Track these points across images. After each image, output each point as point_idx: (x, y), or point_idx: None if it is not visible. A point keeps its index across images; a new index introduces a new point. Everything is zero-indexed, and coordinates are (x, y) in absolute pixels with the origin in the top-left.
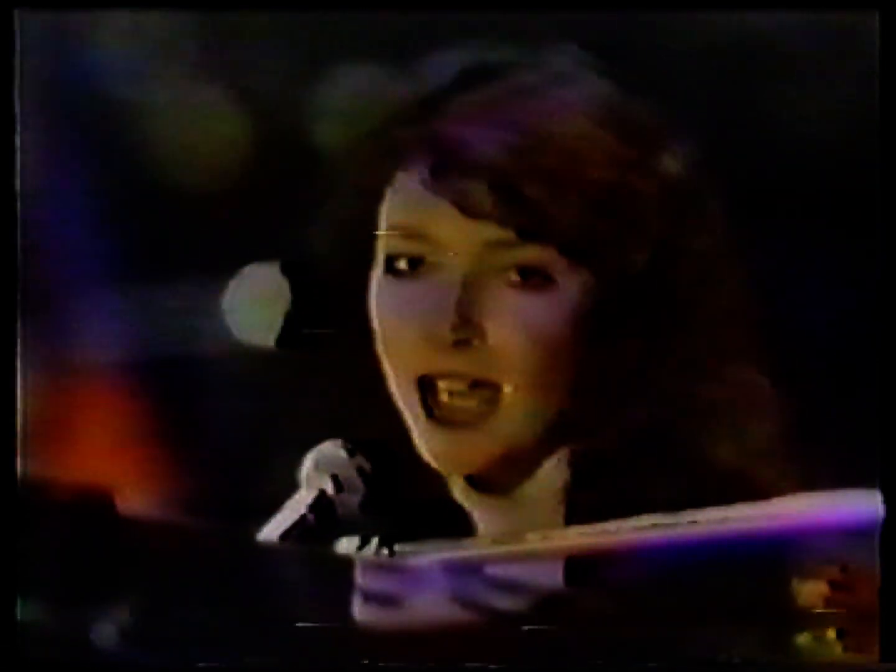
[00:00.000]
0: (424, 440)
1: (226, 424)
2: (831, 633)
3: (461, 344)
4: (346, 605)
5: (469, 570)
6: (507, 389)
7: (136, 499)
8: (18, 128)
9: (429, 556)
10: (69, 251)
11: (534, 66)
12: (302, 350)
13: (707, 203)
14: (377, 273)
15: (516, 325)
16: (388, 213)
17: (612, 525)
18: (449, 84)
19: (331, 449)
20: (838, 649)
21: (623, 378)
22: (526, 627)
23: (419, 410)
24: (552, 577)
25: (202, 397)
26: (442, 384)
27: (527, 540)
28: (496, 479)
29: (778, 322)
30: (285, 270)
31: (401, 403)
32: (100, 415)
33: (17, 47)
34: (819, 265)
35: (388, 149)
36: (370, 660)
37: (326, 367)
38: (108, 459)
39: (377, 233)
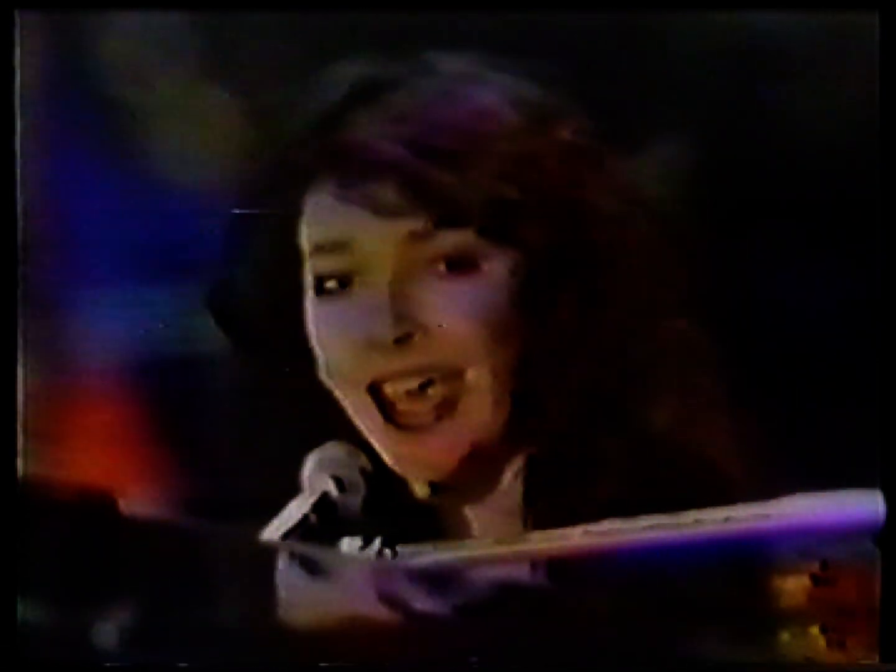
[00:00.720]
0: (388, 449)
1: (227, 425)
2: (814, 630)
3: (402, 341)
4: (346, 605)
5: (461, 570)
6: (469, 375)
7: (136, 499)
8: (18, 128)
9: (429, 556)
10: (70, 251)
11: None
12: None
13: (605, 163)
14: (309, 298)
15: (454, 312)
16: (310, 234)
17: (612, 525)
18: (342, 99)
19: (333, 450)
20: (821, 644)
21: (562, 345)
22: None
23: (378, 417)
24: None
25: (203, 397)
26: (392, 388)
27: (528, 540)
28: (461, 484)
29: (778, 322)
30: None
31: (358, 420)
32: (100, 415)
33: (17, 47)
34: (819, 265)
35: (291, 173)
36: (371, 660)
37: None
38: (108, 459)
39: (304, 254)
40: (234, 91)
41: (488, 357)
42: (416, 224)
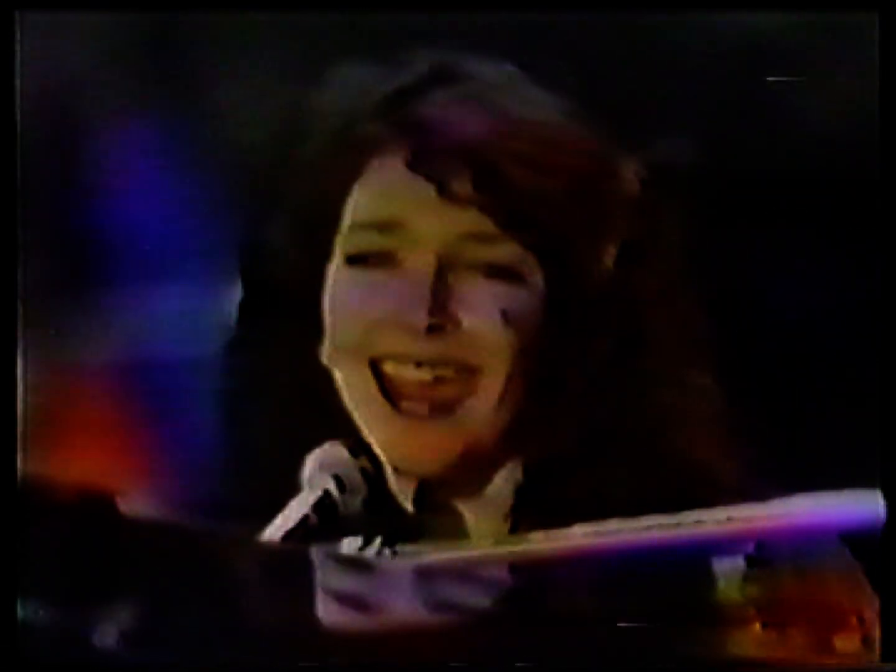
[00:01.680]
0: (380, 432)
1: (227, 425)
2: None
3: (435, 329)
4: (347, 605)
5: (463, 571)
6: (481, 376)
7: (136, 499)
8: (18, 128)
9: (429, 556)
10: (70, 251)
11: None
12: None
13: (665, 214)
14: (337, 265)
15: (489, 314)
16: (358, 208)
17: (612, 525)
18: (421, 78)
19: (333, 449)
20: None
21: (586, 377)
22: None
23: (379, 398)
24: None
25: (203, 397)
26: (406, 371)
27: (528, 540)
28: (449, 487)
29: (778, 322)
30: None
31: (351, 397)
32: (100, 415)
33: (17, 47)
34: (818, 265)
35: (358, 141)
36: (370, 660)
37: (327, 367)
38: (108, 459)
39: (343, 226)
40: (236, 91)
41: (505, 366)
42: (478, 222)
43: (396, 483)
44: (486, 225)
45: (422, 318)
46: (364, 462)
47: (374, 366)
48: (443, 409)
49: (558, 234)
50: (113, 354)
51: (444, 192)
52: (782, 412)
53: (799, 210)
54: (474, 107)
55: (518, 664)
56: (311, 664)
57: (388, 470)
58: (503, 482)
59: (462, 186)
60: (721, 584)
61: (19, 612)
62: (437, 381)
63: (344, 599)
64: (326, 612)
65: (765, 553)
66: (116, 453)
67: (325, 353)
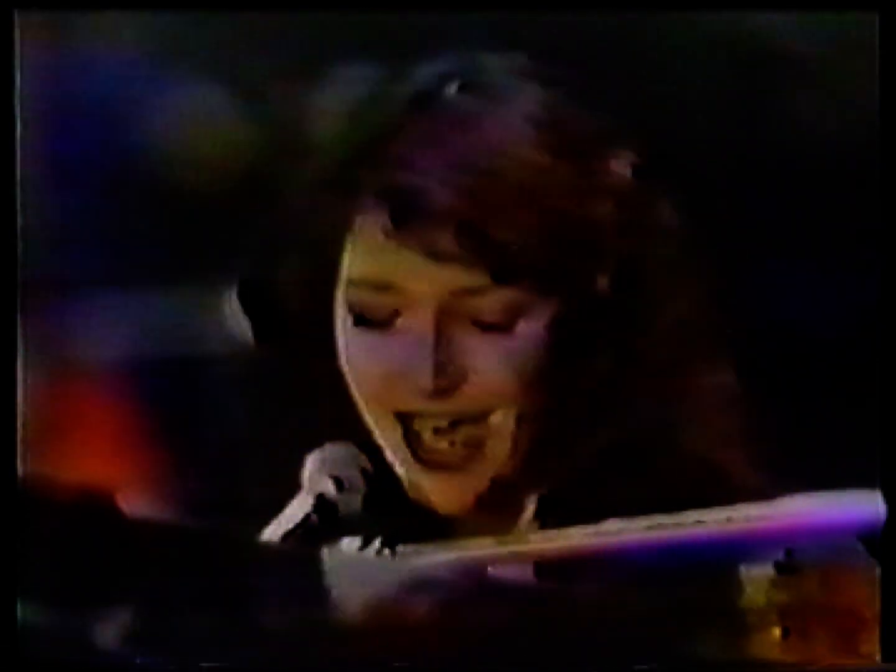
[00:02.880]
0: (412, 484)
1: (227, 425)
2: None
3: (441, 392)
4: (346, 606)
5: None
6: (495, 417)
7: (137, 499)
8: (18, 128)
9: (429, 556)
10: (69, 251)
11: (475, 77)
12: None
13: (660, 210)
14: (344, 323)
15: (493, 363)
16: (352, 265)
17: (612, 525)
18: (399, 112)
19: (333, 450)
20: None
21: (596, 394)
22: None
23: (404, 450)
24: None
25: (203, 398)
26: (423, 423)
27: (528, 540)
28: (479, 520)
29: (777, 322)
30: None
31: (381, 440)
32: (100, 415)
33: (17, 47)
34: (818, 265)
35: (343, 193)
36: (370, 660)
37: (327, 367)
38: (108, 460)
39: (342, 271)
40: (235, 91)
41: (516, 403)
42: (469, 276)
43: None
44: (476, 278)
45: (427, 382)
46: (364, 462)
47: (400, 415)
48: (464, 456)
49: (550, 274)
50: (113, 355)
51: (428, 254)
52: (782, 412)
53: (797, 210)
54: (453, 147)
55: (522, 664)
56: (311, 664)
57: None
58: (530, 515)
59: (446, 245)
60: (747, 588)
61: (19, 612)
62: (454, 425)
63: (344, 599)
64: (327, 612)
65: (779, 556)
66: (116, 453)
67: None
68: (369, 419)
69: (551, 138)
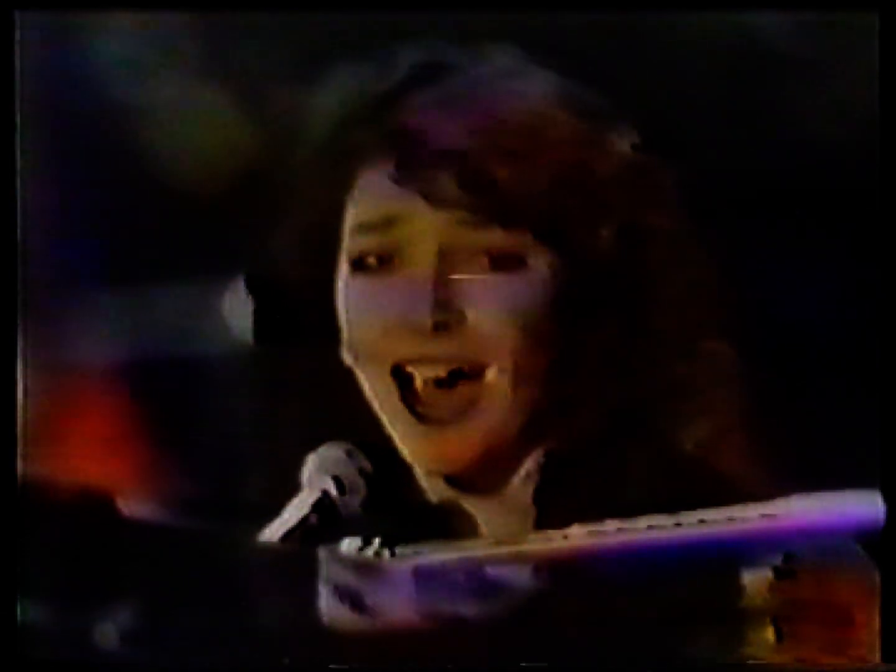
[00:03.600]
0: (407, 439)
1: (227, 426)
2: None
3: (440, 327)
4: (347, 606)
5: (465, 571)
6: (490, 374)
7: (136, 500)
8: (18, 128)
9: (430, 556)
10: (69, 251)
11: (483, 63)
12: (283, 346)
13: (664, 182)
14: (343, 273)
15: (493, 307)
16: (357, 212)
17: (612, 525)
18: (403, 81)
19: (332, 450)
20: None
21: (597, 358)
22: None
23: (400, 407)
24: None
25: (203, 398)
26: (420, 372)
27: (528, 540)
28: (476, 479)
29: (778, 322)
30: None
31: (379, 406)
32: (100, 415)
33: (17, 47)
34: (819, 265)
35: (350, 149)
36: (370, 661)
37: (327, 367)
38: (108, 460)
39: (344, 232)
40: (235, 91)
41: (512, 359)
42: (468, 216)
43: (426, 479)
44: (478, 218)
45: (426, 318)
46: (364, 462)
47: (397, 370)
48: (459, 411)
49: (551, 222)
50: (113, 355)
51: (432, 199)
52: (782, 412)
53: (797, 210)
54: (457, 106)
55: (522, 664)
56: (311, 665)
57: (418, 470)
58: (521, 481)
59: (448, 191)
60: (745, 590)
61: (19, 612)
62: (453, 377)
63: (344, 600)
64: (327, 612)
65: (777, 557)
66: (116, 453)
67: (348, 358)
68: (367, 383)
69: (557, 98)
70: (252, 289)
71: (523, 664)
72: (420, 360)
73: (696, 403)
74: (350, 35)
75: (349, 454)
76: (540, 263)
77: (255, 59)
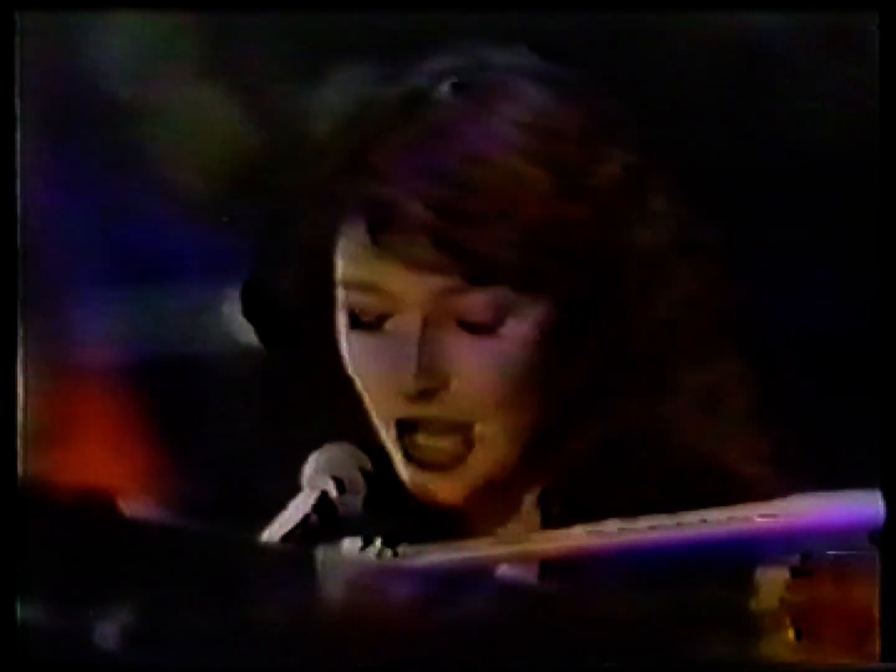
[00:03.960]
0: (406, 478)
1: (227, 426)
2: (790, 633)
3: (426, 394)
4: (346, 606)
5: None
6: (478, 428)
7: (136, 500)
8: (18, 128)
9: (429, 556)
10: (69, 251)
11: (471, 74)
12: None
13: (646, 199)
14: (342, 324)
15: (476, 370)
16: (343, 267)
17: (613, 525)
18: (383, 115)
19: (333, 450)
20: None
21: (585, 390)
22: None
23: (398, 452)
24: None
25: (203, 398)
26: (416, 428)
27: (528, 540)
28: (478, 515)
29: (778, 322)
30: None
31: (382, 438)
32: (100, 415)
33: (17, 47)
34: (819, 265)
35: (329, 199)
36: (370, 660)
37: (327, 368)
38: (108, 460)
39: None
40: (235, 91)
41: (498, 412)
42: (447, 280)
43: None
44: (455, 282)
45: (411, 385)
46: (364, 462)
47: (399, 424)
48: (455, 458)
49: (530, 275)
50: (113, 355)
51: (407, 261)
52: (782, 412)
53: (797, 210)
54: (433, 157)
55: (521, 665)
56: (311, 665)
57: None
58: (531, 505)
59: (423, 253)
60: (759, 590)
61: (19, 612)
62: (445, 432)
63: (344, 599)
64: (327, 612)
65: (787, 555)
66: (116, 454)
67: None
68: (372, 417)
69: (537, 144)
70: (253, 292)
71: (522, 665)
72: (414, 420)
73: (693, 421)
74: (350, 35)
75: (349, 454)
76: (524, 316)
77: (255, 59)
